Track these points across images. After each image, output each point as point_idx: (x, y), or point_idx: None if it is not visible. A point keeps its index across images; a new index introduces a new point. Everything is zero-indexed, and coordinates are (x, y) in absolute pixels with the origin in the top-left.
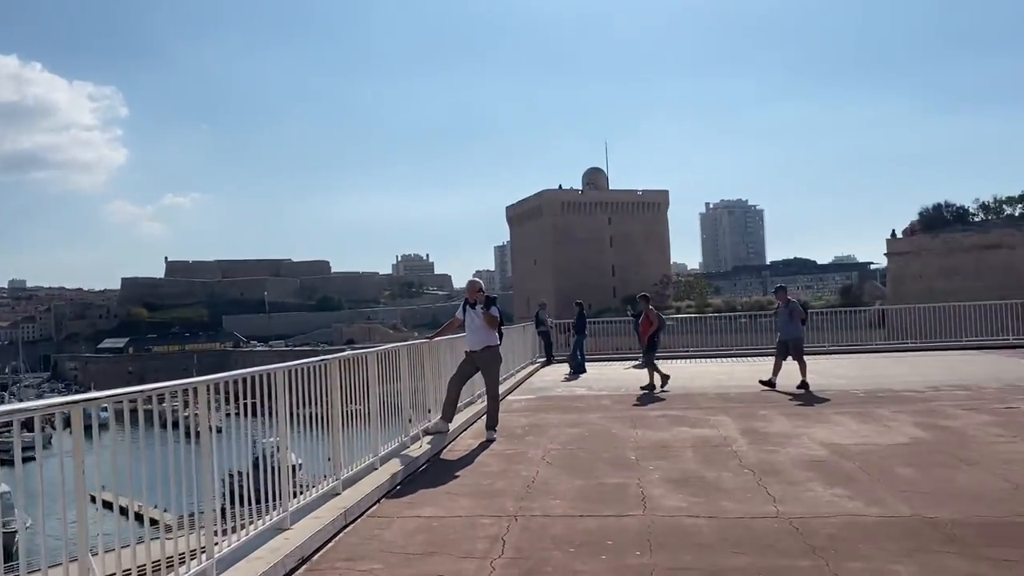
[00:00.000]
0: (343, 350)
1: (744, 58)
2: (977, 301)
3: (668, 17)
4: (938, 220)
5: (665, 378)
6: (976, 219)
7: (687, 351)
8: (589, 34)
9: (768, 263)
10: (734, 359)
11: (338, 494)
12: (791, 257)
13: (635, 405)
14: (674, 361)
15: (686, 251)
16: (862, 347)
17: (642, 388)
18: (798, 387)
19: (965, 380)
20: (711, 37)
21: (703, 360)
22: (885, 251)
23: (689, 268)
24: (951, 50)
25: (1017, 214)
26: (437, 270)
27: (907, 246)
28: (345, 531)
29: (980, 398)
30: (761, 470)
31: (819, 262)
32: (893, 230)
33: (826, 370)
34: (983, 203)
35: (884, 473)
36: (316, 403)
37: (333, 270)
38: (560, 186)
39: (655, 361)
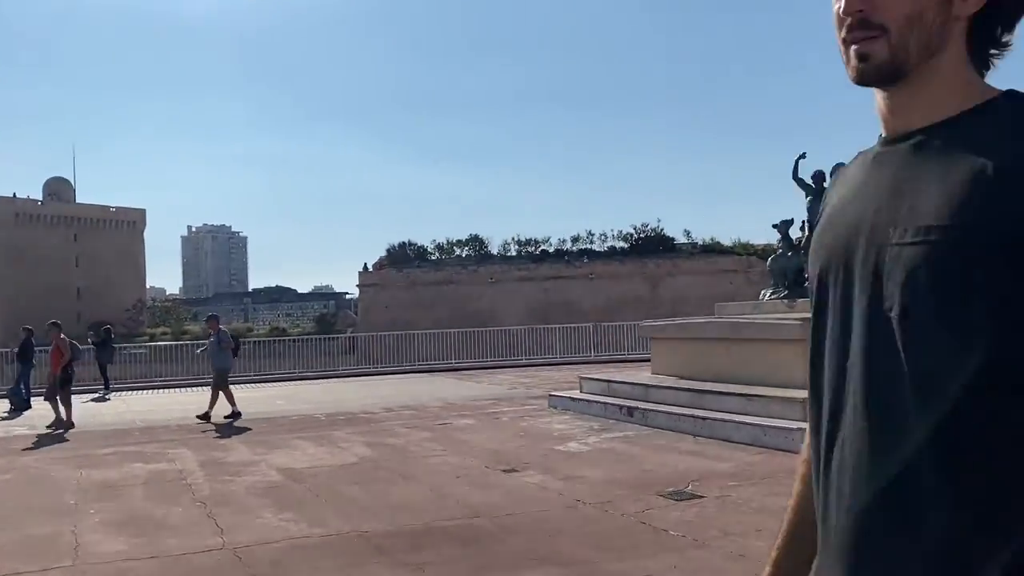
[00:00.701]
0: None
1: (229, 83)
2: (432, 329)
3: (134, 30)
4: (403, 257)
5: (67, 422)
6: (433, 257)
7: (155, 381)
8: (52, 30)
9: (251, 290)
10: (207, 387)
11: None
12: (273, 285)
13: (81, 443)
14: (143, 392)
15: (166, 274)
16: (333, 372)
17: (48, 427)
18: (199, 416)
19: (413, 400)
20: (193, 56)
21: (174, 390)
22: (358, 283)
23: (168, 292)
24: (419, 113)
25: (464, 255)
26: None
27: (376, 279)
28: None
29: (423, 416)
30: (214, 501)
31: (300, 291)
32: (365, 264)
33: (295, 395)
34: (439, 244)
35: (331, 493)
36: None
37: None
38: (15, 195)
39: (70, 397)
